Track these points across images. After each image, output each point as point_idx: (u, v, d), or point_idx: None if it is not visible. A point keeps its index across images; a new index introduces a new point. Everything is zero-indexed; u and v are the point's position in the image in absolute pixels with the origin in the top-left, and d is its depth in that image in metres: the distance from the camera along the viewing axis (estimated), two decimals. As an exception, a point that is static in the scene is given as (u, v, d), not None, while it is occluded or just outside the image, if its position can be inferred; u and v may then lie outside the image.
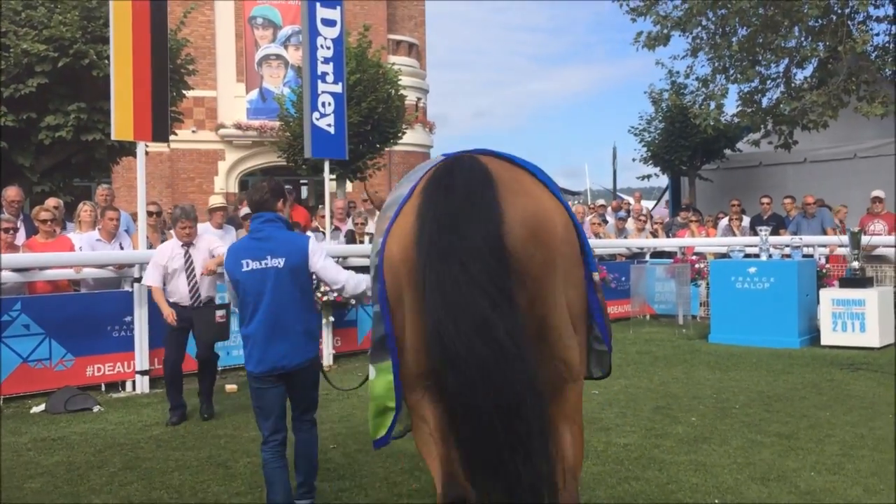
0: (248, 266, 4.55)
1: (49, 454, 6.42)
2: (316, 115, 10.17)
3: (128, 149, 15.81)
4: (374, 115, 17.09)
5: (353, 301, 6.60)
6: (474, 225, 2.86)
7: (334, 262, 5.06)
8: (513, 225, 2.94)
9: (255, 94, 29.18)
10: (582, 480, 5.45)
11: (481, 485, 2.85)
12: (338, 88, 10.40)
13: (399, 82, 18.12)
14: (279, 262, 4.54)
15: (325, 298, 9.26)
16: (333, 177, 21.15)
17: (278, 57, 29.47)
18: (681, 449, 6.15)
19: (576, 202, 39.38)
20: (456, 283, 2.80)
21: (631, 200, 18.90)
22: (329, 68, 10.28)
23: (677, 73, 19.01)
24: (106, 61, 13.68)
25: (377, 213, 5.13)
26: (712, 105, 16.08)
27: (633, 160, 21.62)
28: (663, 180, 22.86)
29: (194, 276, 7.32)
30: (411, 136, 24.81)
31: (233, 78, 29.06)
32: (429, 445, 3.20)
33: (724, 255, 13.61)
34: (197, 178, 28.64)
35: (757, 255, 11.67)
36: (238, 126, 28.56)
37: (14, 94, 13.57)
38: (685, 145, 19.19)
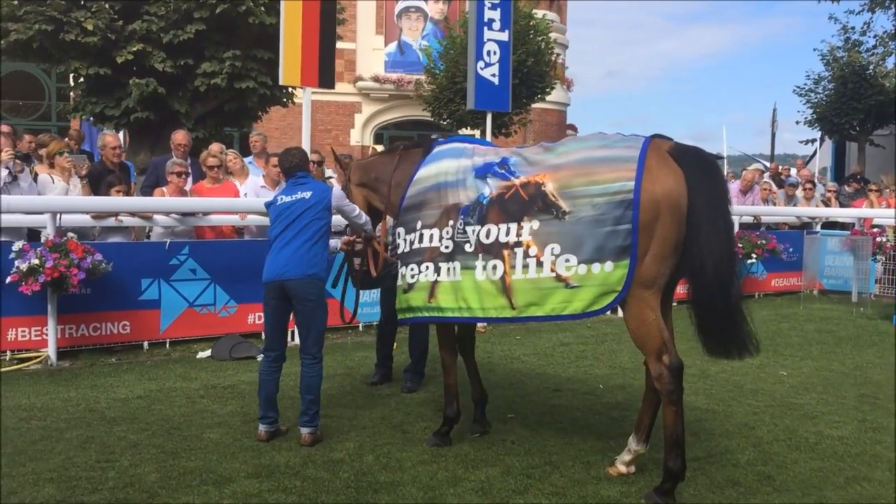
0: (282, 200, 5.49)
1: (222, 403, 6.32)
2: (481, 63, 9.68)
3: (278, 98, 15.88)
4: (524, 69, 16.46)
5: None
6: (725, 189, 4.72)
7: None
8: None
9: (393, 46, 28.98)
10: (802, 475, 4.89)
11: (719, 341, 4.60)
12: (504, 36, 9.86)
13: (550, 35, 17.40)
14: (307, 195, 5.43)
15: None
16: (475, 132, 20.77)
17: (418, 10, 29.11)
18: (906, 447, 5.45)
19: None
20: (727, 218, 4.52)
21: (792, 170, 17.57)
22: (496, 15, 9.75)
23: (852, 28, 17.46)
24: (262, 8, 13.66)
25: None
26: (902, 63, 14.61)
27: (797, 123, 20.16)
28: (809, 148, 21.31)
29: None
30: (550, 94, 23.99)
31: (372, 30, 28.91)
32: (652, 328, 4.48)
33: (905, 229, 12.45)
34: (334, 129, 28.80)
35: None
36: (376, 79, 28.46)
37: (173, 41, 13.67)
38: (857, 108, 17.66)
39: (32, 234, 8.00)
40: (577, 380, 7.25)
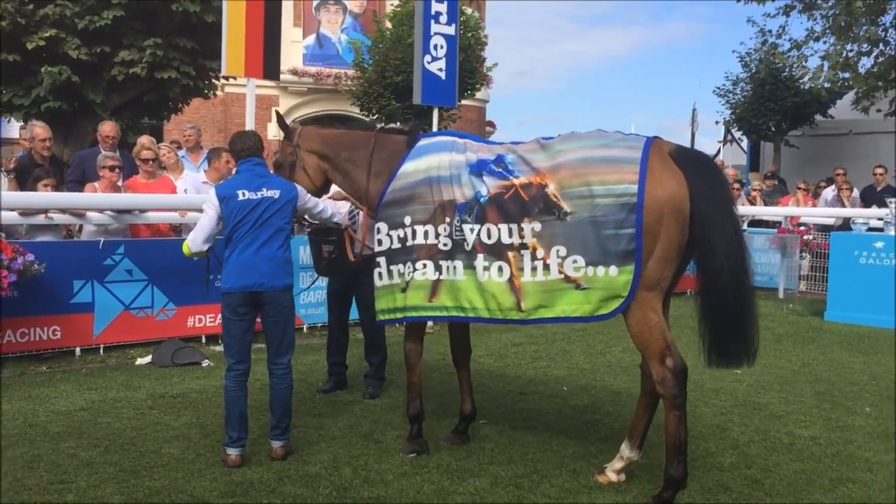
0: (244, 195, 4.94)
1: (175, 414, 5.92)
2: (428, 58, 9.45)
3: (200, 89, 15.23)
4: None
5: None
6: (730, 191, 4.77)
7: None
8: None
9: (311, 39, 28.35)
10: (788, 478, 4.88)
11: (727, 344, 4.54)
12: (451, 30, 9.67)
13: (480, 31, 17.28)
14: (275, 194, 5.00)
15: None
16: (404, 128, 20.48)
17: (337, 2, 28.57)
18: (877, 446, 5.52)
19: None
20: (736, 221, 4.47)
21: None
22: (443, 7, 9.54)
23: (769, 31, 18.01)
24: (184, -5, 13.04)
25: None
26: (826, 66, 15.08)
27: (717, 123, 20.69)
28: (712, 146, 21.98)
29: None
30: (480, 90, 23.88)
31: (289, 22, 28.16)
32: (655, 331, 4.41)
33: (827, 227, 12.87)
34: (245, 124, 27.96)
35: (880, 230, 10.92)
36: (294, 72, 27.74)
37: (88, 27, 12.95)
38: (774, 108, 18.23)
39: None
40: (539, 382, 7.12)
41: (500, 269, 4.68)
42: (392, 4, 19.77)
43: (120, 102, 14.42)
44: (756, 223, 13.96)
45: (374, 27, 19.38)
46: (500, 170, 4.76)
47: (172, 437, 5.40)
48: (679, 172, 4.38)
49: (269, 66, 8.38)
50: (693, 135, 27.48)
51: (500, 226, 4.68)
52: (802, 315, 11.15)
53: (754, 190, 14.42)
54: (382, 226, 5.08)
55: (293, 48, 28.08)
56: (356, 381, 6.86)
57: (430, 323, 9.57)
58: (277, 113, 6.15)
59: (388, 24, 17.81)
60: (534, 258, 4.57)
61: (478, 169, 4.83)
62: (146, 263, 7.82)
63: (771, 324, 10.37)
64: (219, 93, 26.47)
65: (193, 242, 5.17)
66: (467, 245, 4.78)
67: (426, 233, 4.91)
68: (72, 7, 12.83)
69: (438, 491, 4.59)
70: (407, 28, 16.24)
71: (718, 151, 24.46)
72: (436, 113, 10.22)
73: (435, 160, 4.99)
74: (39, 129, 8.30)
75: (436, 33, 9.51)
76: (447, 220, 4.84)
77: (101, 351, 7.68)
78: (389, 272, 5.06)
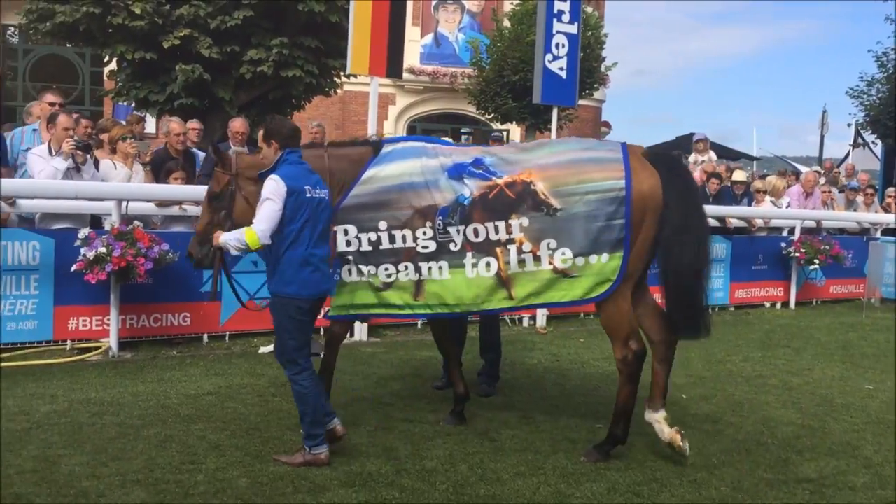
0: (310, 192, 4.71)
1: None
2: (549, 56, 9.40)
3: (322, 87, 15.64)
4: (573, 63, 16.10)
5: None
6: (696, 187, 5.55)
7: None
8: None
9: (429, 38, 28.64)
10: (928, 503, 4.59)
11: (685, 315, 5.11)
12: (573, 29, 9.59)
13: (600, 30, 17.06)
14: (325, 194, 4.84)
15: None
16: (504, 128, 20.41)
17: (455, 1, 28.76)
18: None
19: (750, 168, 37.04)
20: (704, 216, 5.15)
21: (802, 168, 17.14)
22: (566, 6, 9.47)
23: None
24: (311, -5, 13.40)
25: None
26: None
27: (849, 125, 19.73)
28: (841, 149, 20.89)
29: None
30: (598, 90, 23.55)
31: (408, 21, 28.49)
32: (625, 316, 4.98)
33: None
34: (367, 121, 28.47)
35: None
36: (411, 70, 28.07)
37: (220, 26, 13.46)
38: (913, 111, 17.22)
39: (93, 222, 7.80)
40: (656, 388, 6.95)
41: (488, 264, 5.06)
42: (512, 3, 19.71)
43: (247, 100, 14.94)
44: (891, 231, 13.21)
45: (492, 26, 19.40)
46: (481, 171, 5.10)
47: (294, 424, 5.52)
48: (655, 171, 4.90)
49: (393, 64, 8.52)
50: (822, 137, 26.23)
51: (486, 224, 5.04)
52: (942, 331, 10.49)
53: (889, 197, 13.64)
54: (351, 228, 5.22)
55: (410, 47, 28.32)
56: (471, 378, 6.87)
57: (541, 323, 9.57)
58: (213, 145, 5.74)
59: (507, 23, 17.78)
60: (520, 252, 4.99)
61: (457, 173, 5.14)
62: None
63: (906, 338, 9.82)
64: (338, 91, 27.28)
65: (264, 234, 4.65)
66: (455, 245, 5.11)
67: (404, 237, 5.16)
68: (205, 7, 13.36)
69: (555, 493, 4.55)
70: (526, 26, 16.18)
71: (847, 155, 23.32)
72: (555, 112, 10.14)
73: (406, 166, 5.22)
74: (175, 123, 8.69)
75: (558, 32, 9.45)
76: (427, 224, 5.12)
77: (227, 338, 7.99)
78: (360, 271, 5.23)
